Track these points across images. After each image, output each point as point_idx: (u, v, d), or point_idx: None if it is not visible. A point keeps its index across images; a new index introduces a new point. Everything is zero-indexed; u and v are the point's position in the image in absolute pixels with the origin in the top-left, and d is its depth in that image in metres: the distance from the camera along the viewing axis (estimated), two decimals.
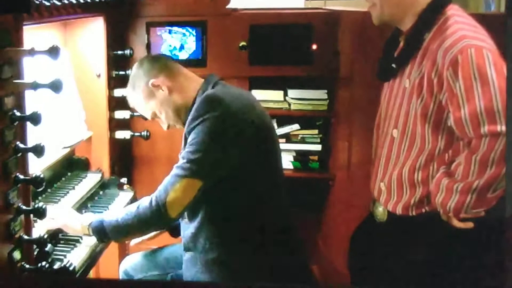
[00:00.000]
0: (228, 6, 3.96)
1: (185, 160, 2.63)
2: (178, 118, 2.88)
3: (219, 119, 2.64)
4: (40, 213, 2.26)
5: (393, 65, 2.66)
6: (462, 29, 2.41)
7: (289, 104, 4.06)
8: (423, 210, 2.56)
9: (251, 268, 2.75)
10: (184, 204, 2.65)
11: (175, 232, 3.07)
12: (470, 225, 2.45)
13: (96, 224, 2.76)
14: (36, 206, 2.26)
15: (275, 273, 2.73)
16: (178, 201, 2.63)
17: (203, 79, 2.89)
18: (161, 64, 2.91)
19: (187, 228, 2.83)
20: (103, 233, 2.76)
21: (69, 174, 3.41)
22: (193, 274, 2.82)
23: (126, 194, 3.54)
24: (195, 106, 2.70)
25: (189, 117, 2.68)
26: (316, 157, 4.11)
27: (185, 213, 2.78)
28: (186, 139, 2.70)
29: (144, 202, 2.70)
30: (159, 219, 2.66)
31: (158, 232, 3.11)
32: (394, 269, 2.67)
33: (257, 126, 2.76)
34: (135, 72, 2.95)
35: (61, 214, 2.83)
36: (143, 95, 2.91)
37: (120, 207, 3.26)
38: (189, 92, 2.85)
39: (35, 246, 2.32)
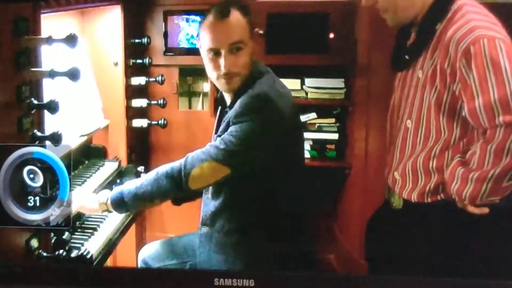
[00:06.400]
0: None
1: (222, 146, 2.65)
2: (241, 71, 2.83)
3: (265, 123, 2.67)
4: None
5: (406, 56, 2.65)
6: (474, 19, 2.39)
7: (306, 93, 4.04)
8: (438, 198, 2.56)
9: (267, 255, 2.77)
10: (206, 183, 2.72)
11: (178, 201, 3.03)
12: (485, 210, 2.45)
13: (116, 196, 2.79)
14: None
15: (285, 261, 2.75)
16: (201, 178, 2.68)
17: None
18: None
19: (208, 204, 2.86)
20: (122, 203, 2.78)
21: (86, 162, 3.43)
22: (207, 250, 2.86)
23: None
24: (244, 100, 2.69)
25: (238, 109, 2.68)
26: (333, 146, 4.09)
27: (210, 189, 2.83)
28: (228, 124, 2.71)
29: (164, 168, 2.73)
30: (178, 185, 2.70)
31: None
32: (411, 256, 2.67)
33: (295, 128, 2.85)
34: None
35: (76, 197, 2.84)
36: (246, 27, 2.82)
37: None
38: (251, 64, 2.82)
39: (52, 234, 2.34)
